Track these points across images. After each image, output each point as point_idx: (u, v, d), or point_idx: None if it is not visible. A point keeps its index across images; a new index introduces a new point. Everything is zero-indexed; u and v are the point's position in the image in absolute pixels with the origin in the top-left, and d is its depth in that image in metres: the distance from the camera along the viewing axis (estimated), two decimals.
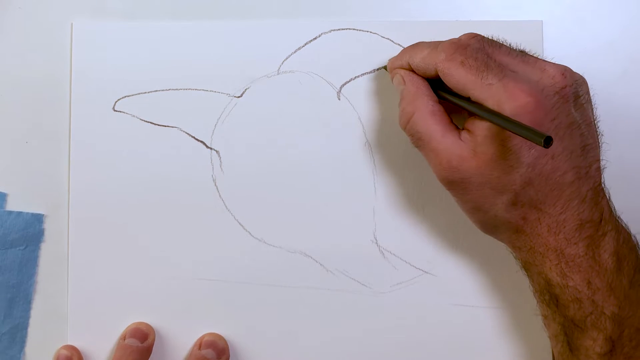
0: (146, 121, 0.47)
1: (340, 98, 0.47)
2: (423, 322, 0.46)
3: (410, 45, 0.44)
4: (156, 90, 0.47)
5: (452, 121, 0.41)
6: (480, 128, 0.39)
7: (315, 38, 0.47)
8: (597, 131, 0.41)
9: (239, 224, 0.46)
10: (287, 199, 0.46)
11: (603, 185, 0.40)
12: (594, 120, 0.41)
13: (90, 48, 0.47)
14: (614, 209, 0.40)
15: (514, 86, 0.37)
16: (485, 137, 0.38)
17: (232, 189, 0.46)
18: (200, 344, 0.45)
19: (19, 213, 0.46)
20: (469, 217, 0.42)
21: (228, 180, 0.47)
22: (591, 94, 0.41)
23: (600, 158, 0.40)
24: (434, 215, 0.46)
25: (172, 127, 0.47)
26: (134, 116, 0.47)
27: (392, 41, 0.47)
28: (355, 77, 0.47)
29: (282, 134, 0.47)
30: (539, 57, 0.41)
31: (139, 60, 0.47)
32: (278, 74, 0.47)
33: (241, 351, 0.46)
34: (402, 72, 0.43)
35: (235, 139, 0.47)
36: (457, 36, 0.41)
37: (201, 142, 0.47)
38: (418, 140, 0.41)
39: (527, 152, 0.38)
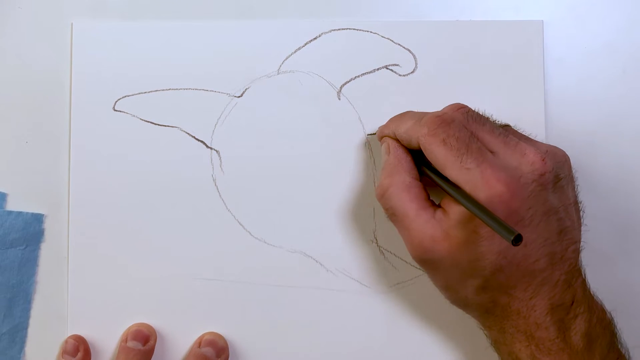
0: (146, 121, 0.47)
1: (340, 98, 0.47)
2: (422, 322, 0.46)
3: (398, 115, 0.44)
4: (156, 90, 0.47)
5: (429, 198, 0.40)
6: (455, 211, 0.38)
7: (315, 38, 0.47)
8: (578, 209, 0.40)
9: (239, 224, 0.46)
10: (287, 199, 0.46)
11: (579, 265, 0.40)
12: (575, 200, 0.40)
13: (90, 48, 0.47)
14: (589, 288, 0.40)
15: (491, 174, 0.37)
16: (459, 221, 0.38)
17: (232, 189, 0.46)
18: (200, 343, 0.45)
19: (19, 213, 0.46)
20: (440, 292, 0.42)
21: (228, 180, 0.47)
22: (574, 170, 0.41)
23: (579, 239, 0.40)
24: None
25: (172, 127, 0.47)
26: (134, 116, 0.47)
27: (392, 41, 0.47)
28: (355, 77, 0.47)
29: (282, 133, 0.47)
30: (521, 133, 0.41)
31: (139, 60, 0.47)
32: (278, 74, 0.47)
33: (241, 351, 0.46)
34: (389, 141, 0.43)
35: (235, 139, 0.47)
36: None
37: (201, 142, 0.47)
38: (391, 215, 0.41)
39: (499, 239, 0.37)
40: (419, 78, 0.47)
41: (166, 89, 0.47)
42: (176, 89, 0.47)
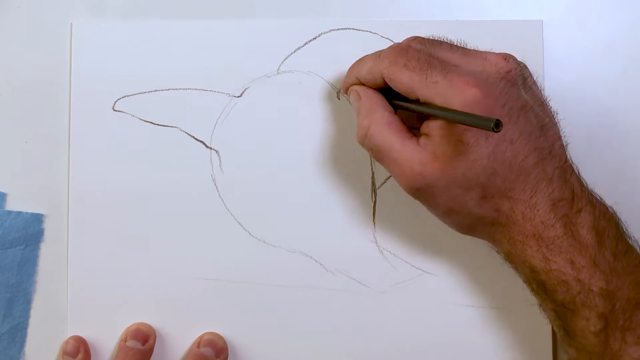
0: (146, 121, 0.47)
1: (340, 98, 0.47)
2: (423, 322, 0.46)
3: (356, 61, 0.44)
4: (156, 90, 0.47)
5: (409, 129, 0.41)
6: (435, 128, 0.39)
7: (315, 38, 0.47)
8: (551, 110, 0.41)
9: (239, 223, 0.46)
10: (287, 199, 0.46)
11: (570, 161, 0.40)
12: (546, 100, 0.41)
13: (90, 48, 0.47)
14: (586, 184, 0.40)
15: (459, 80, 0.37)
16: (442, 137, 0.38)
17: (232, 188, 0.46)
18: (199, 343, 0.45)
19: (19, 213, 0.46)
20: (444, 221, 0.42)
21: (228, 180, 0.47)
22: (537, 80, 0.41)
23: (561, 135, 0.40)
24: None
25: (172, 127, 0.47)
26: (133, 116, 0.47)
27: (391, 41, 0.46)
28: None
29: (281, 133, 0.47)
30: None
31: (139, 60, 0.47)
32: (278, 73, 0.47)
33: (240, 351, 0.46)
34: (357, 87, 0.43)
35: (235, 138, 0.47)
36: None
37: (201, 142, 0.47)
38: (377, 153, 0.41)
39: (485, 142, 0.38)
40: None
41: (166, 89, 0.47)
42: (176, 89, 0.47)
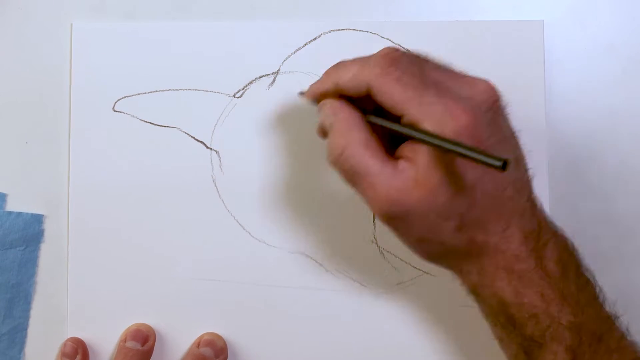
0: (146, 121, 0.47)
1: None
2: (423, 322, 0.46)
3: (333, 66, 0.40)
4: (156, 91, 0.47)
5: (386, 152, 0.38)
6: (421, 154, 0.36)
7: (315, 38, 0.47)
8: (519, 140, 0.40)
9: (239, 224, 0.46)
10: (287, 200, 0.46)
11: (534, 194, 0.39)
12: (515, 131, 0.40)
13: (90, 48, 0.47)
14: (549, 217, 0.39)
15: (454, 105, 0.36)
16: (428, 163, 0.36)
17: (232, 189, 0.46)
18: (199, 343, 0.45)
19: (19, 213, 0.46)
20: (412, 250, 0.39)
21: (228, 180, 0.47)
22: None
23: (528, 167, 0.39)
24: None
25: (172, 127, 0.47)
26: (133, 116, 0.47)
27: (392, 41, 0.47)
28: None
29: (281, 134, 0.47)
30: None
31: (139, 60, 0.47)
32: (278, 74, 0.47)
33: (240, 351, 0.46)
34: (333, 102, 0.39)
35: (235, 139, 0.47)
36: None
37: (201, 142, 0.47)
38: (353, 176, 0.38)
39: (472, 172, 0.36)
40: None
41: (166, 90, 0.47)
42: (176, 90, 0.47)
